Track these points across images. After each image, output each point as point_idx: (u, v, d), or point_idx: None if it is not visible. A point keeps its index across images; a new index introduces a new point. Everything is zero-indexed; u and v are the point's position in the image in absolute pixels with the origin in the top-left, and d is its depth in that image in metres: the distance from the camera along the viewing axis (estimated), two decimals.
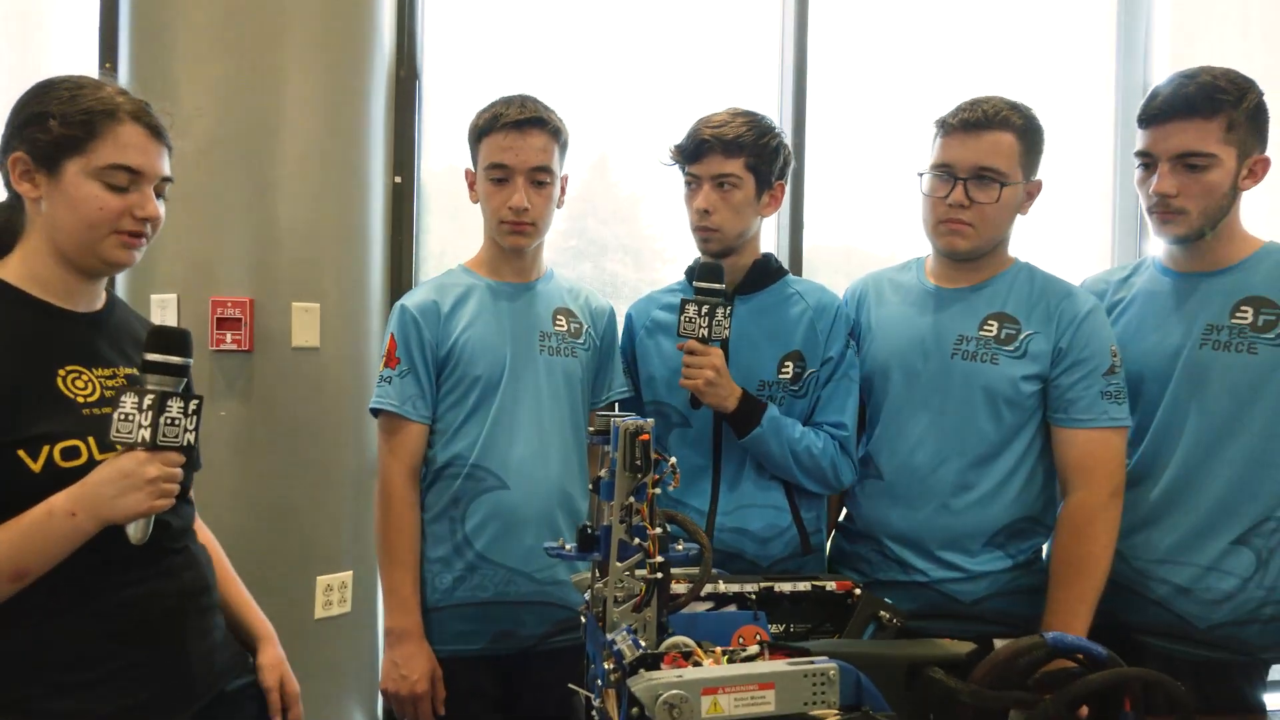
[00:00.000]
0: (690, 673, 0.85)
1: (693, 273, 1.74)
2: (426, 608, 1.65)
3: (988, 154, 1.60)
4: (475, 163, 1.75)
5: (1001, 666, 0.89)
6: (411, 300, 1.72)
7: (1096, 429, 1.60)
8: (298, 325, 2.47)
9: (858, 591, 1.24)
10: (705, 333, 1.59)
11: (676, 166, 1.78)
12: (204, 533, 1.50)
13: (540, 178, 1.70)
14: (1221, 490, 1.56)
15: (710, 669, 0.87)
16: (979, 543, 1.65)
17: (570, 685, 1.11)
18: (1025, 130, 1.63)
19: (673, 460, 1.06)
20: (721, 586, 1.21)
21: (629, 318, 1.90)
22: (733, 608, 1.22)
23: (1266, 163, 1.58)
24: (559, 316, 1.79)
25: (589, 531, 1.03)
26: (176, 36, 2.38)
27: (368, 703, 2.62)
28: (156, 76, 2.39)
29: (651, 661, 0.90)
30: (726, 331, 1.59)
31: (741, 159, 1.68)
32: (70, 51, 2.74)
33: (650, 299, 1.89)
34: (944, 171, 1.64)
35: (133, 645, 1.22)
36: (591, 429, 1.05)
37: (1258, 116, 1.56)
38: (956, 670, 0.92)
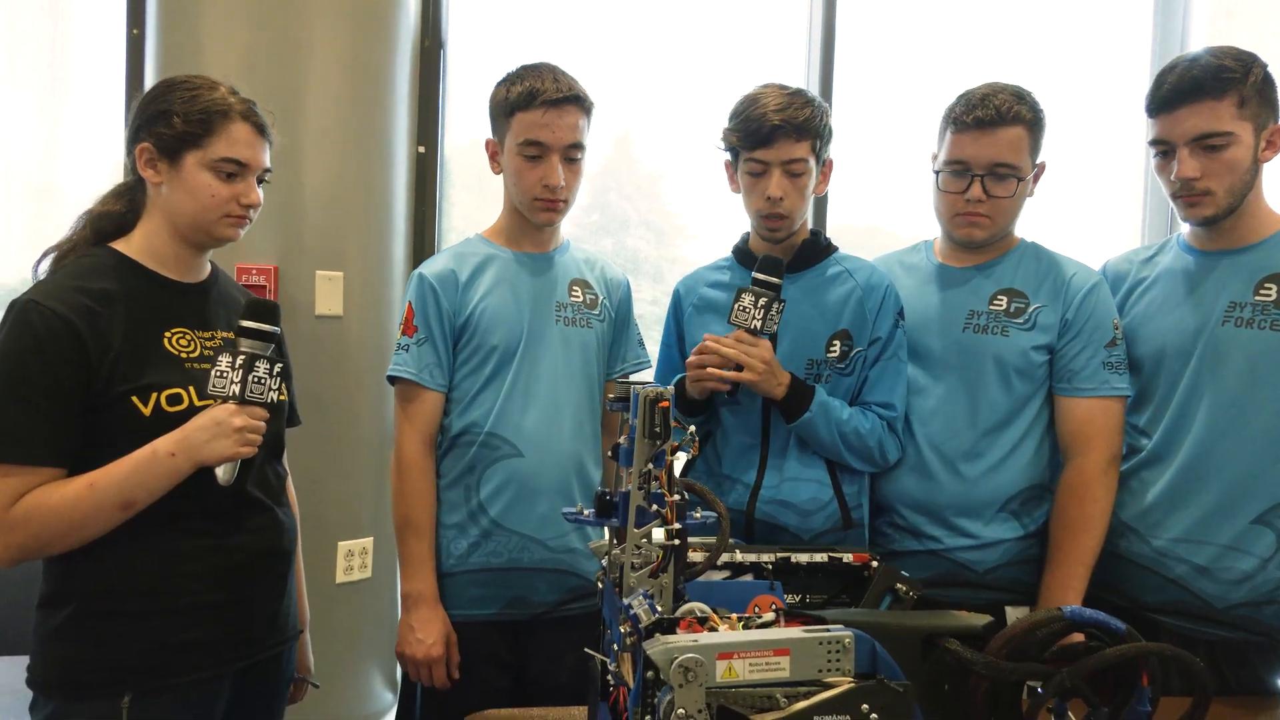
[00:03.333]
0: (706, 637, 0.85)
1: (744, 254, 1.79)
2: (441, 573, 1.67)
3: (1004, 151, 1.65)
4: (501, 135, 1.72)
5: (1018, 639, 0.89)
6: (430, 269, 1.72)
7: (1098, 398, 1.66)
8: (321, 294, 2.51)
9: (875, 564, 1.25)
10: (758, 325, 1.58)
11: (726, 149, 1.73)
12: (294, 502, 1.64)
13: (573, 154, 1.71)
14: (1241, 468, 1.55)
15: (726, 634, 0.87)
16: (992, 510, 1.69)
17: (586, 650, 1.12)
18: (1034, 122, 1.68)
19: (691, 428, 1.06)
20: (739, 556, 1.22)
21: (676, 294, 1.88)
22: (749, 577, 1.22)
23: None
24: (575, 287, 1.79)
25: (607, 498, 1.03)
26: (203, 5, 2.39)
27: (387, 666, 2.66)
28: (183, 45, 2.40)
29: (667, 626, 0.91)
30: (776, 326, 1.60)
31: (809, 142, 1.66)
32: (99, 19, 2.76)
33: (697, 276, 1.87)
34: (960, 168, 1.68)
35: (208, 589, 1.36)
36: (611, 396, 1.06)
37: (1266, 88, 1.55)
38: (973, 642, 0.92)
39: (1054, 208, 3.07)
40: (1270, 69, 1.56)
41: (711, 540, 1.12)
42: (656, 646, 0.84)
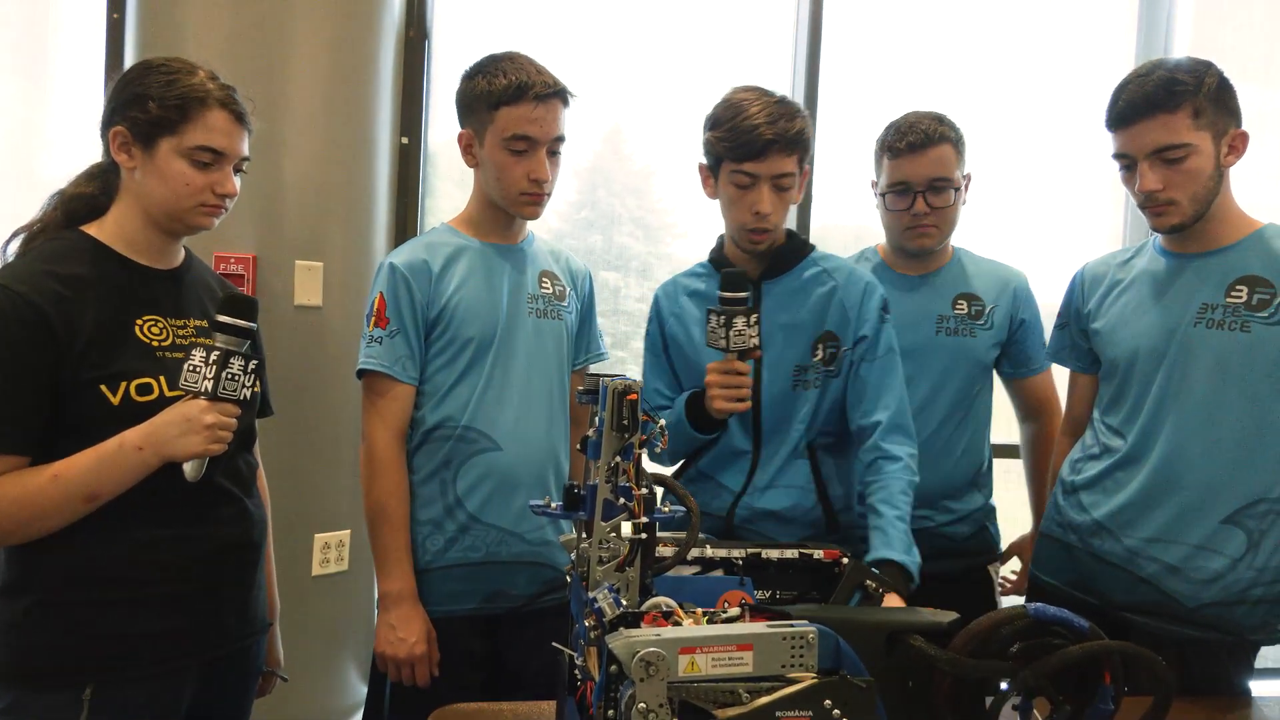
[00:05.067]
0: (669, 632, 0.85)
1: (720, 263, 1.76)
2: (418, 569, 1.65)
3: (937, 167, 1.90)
4: (479, 128, 1.69)
5: (982, 636, 0.89)
6: (400, 259, 1.70)
7: (1045, 373, 2.05)
8: (300, 283, 2.48)
9: (845, 560, 1.24)
10: (724, 345, 1.55)
11: (707, 156, 1.71)
12: (264, 494, 1.62)
13: (557, 147, 1.70)
14: (1213, 469, 1.56)
15: (689, 629, 0.87)
16: (964, 486, 1.99)
17: (554, 644, 1.11)
18: (957, 140, 1.93)
19: (661, 422, 1.05)
20: (709, 551, 1.21)
21: (656, 301, 1.85)
22: (719, 573, 1.22)
23: (1245, 136, 1.58)
24: (544, 279, 1.78)
25: (575, 490, 1.03)
26: None
27: (363, 659, 2.65)
28: (164, 29, 2.37)
29: (631, 620, 0.90)
30: (751, 340, 1.54)
31: (798, 155, 1.65)
32: (79, 2, 2.73)
33: (675, 284, 1.84)
34: (902, 188, 1.92)
35: (174, 580, 1.34)
36: (581, 389, 1.05)
37: (1221, 95, 1.55)
38: (937, 639, 0.92)
39: (1037, 211, 3.08)
40: (1226, 76, 1.56)
41: (681, 535, 1.12)
42: (619, 640, 0.83)
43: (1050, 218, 3.09)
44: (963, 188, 1.96)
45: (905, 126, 1.91)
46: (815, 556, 1.24)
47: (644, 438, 0.99)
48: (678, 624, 0.90)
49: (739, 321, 1.53)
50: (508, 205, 1.71)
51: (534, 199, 1.69)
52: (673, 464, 1.80)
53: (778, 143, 1.60)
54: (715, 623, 0.91)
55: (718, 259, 1.79)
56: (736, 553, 1.22)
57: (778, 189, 1.64)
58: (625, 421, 0.96)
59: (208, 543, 1.37)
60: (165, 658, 1.33)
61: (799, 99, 3.02)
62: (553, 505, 1.05)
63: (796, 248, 1.76)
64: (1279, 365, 1.53)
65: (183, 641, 1.35)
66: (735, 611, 0.92)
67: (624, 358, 3.04)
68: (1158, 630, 1.60)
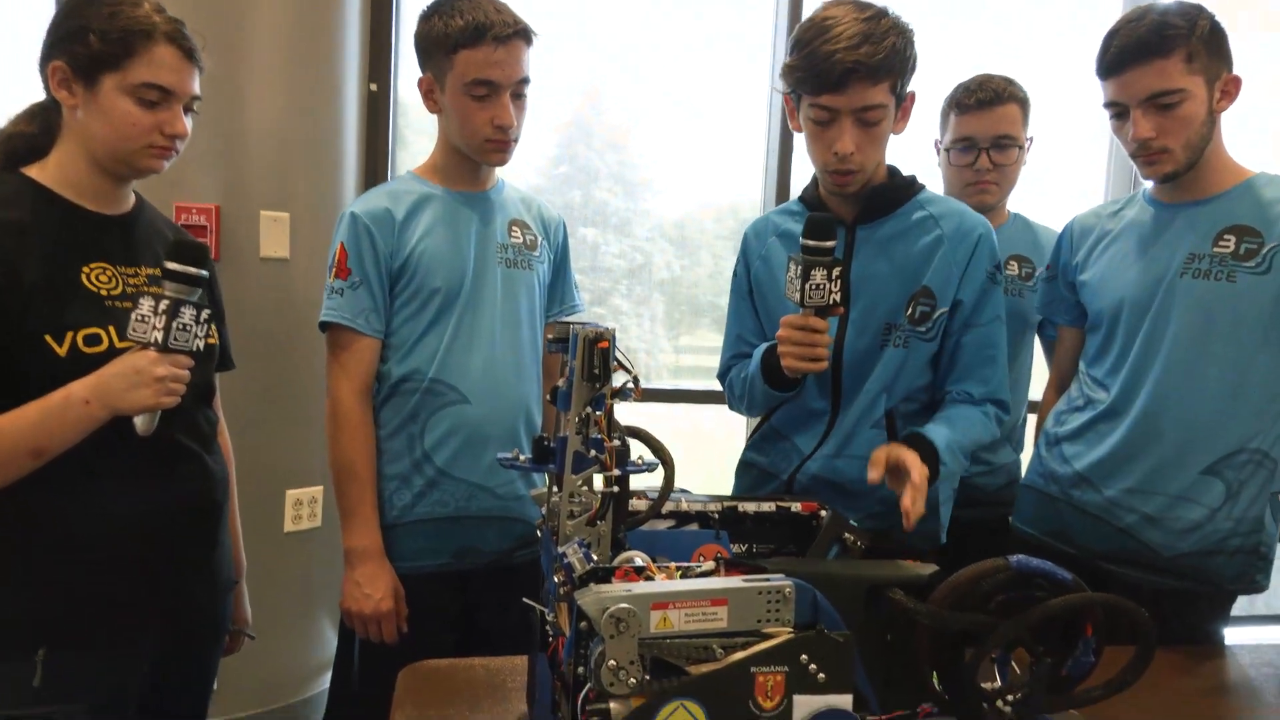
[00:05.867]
0: (640, 587, 0.82)
1: (814, 203, 1.59)
2: (385, 525, 1.62)
3: (1003, 124, 1.95)
4: (439, 73, 1.61)
5: (962, 589, 0.87)
6: (362, 207, 1.63)
7: None
8: (266, 235, 2.41)
9: (824, 513, 1.22)
10: (797, 299, 1.36)
11: (787, 87, 1.50)
12: (226, 450, 1.56)
13: (521, 90, 1.63)
14: (1194, 419, 1.55)
15: (661, 584, 0.84)
16: (999, 440, 1.96)
17: (525, 600, 1.08)
18: (1024, 100, 1.97)
19: (635, 372, 1.01)
20: (684, 505, 1.18)
21: (744, 241, 1.69)
22: (695, 527, 1.19)
23: (1238, 81, 1.54)
24: (514, 228, 1.73)
25: (545, 443, 0.99)
26: None
27: (337, 617, 2.62)
28: None
29: (602, 575, 0.87)
30: (831, 297, 1.35)
31: (888, 82, 1.43)
32: None
33: (766, 222, 1.67)
34: (967, 144, 1.96)
35: (132, 539, 1.29)
36: (550, 337, 1.01)
37: (1214, 39, 1.51)
38: (917, 592, 0.90)
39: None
40: (1218, 20, 1.52)
41: (657, 488, 1.09)
42: (588, 596, 0.80)
43: (1031, 174, 3.05)
44: (1025, 148, 2.01)
45: (975, 84, 1.96)
46: (793, 509, 1.21)
47: (616, 389, 0.95)
48: (650, 579, 0.87)
49: (817, 274, 1.34)
50: (472, 153, 1.65)
51: (500, 146, 1.63)
52: (751, 417, 1.72)
53: (858, 71, 1.38)
54: (689, 577, 0.88)
55: (810, 198, 1.61)
56: (712, 506, 1.19)
57: (863, 123, 1.44)
58: (596, 371, 0.92)
59: (167, 500, 1.33)
60: (123, 618, 1.29)
61: (779, 49, 2.95)
62: (521, 458, 1.01)
63: (899, 188, 1.56)
64: (1263, 315, 1.51)
65: (142, 602, 1.31)
66: (710, 565, 0.89)
67: (603, 314, 2.99)
68: (1135, 580, 1.60)
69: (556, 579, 0.89)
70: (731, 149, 3.01)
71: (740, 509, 1.20)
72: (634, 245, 3.02)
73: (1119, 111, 1.57)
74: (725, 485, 1.78)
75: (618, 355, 0.97)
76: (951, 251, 1.52)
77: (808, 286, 1.35)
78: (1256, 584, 1.61)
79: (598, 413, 0.94)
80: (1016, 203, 2.12)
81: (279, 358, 2.45)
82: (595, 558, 0.90)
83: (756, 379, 1.55)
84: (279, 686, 2.51)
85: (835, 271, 1.35)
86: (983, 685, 0.91)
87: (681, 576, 0.88)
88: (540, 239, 1.77)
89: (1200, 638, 1.60)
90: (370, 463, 1.61)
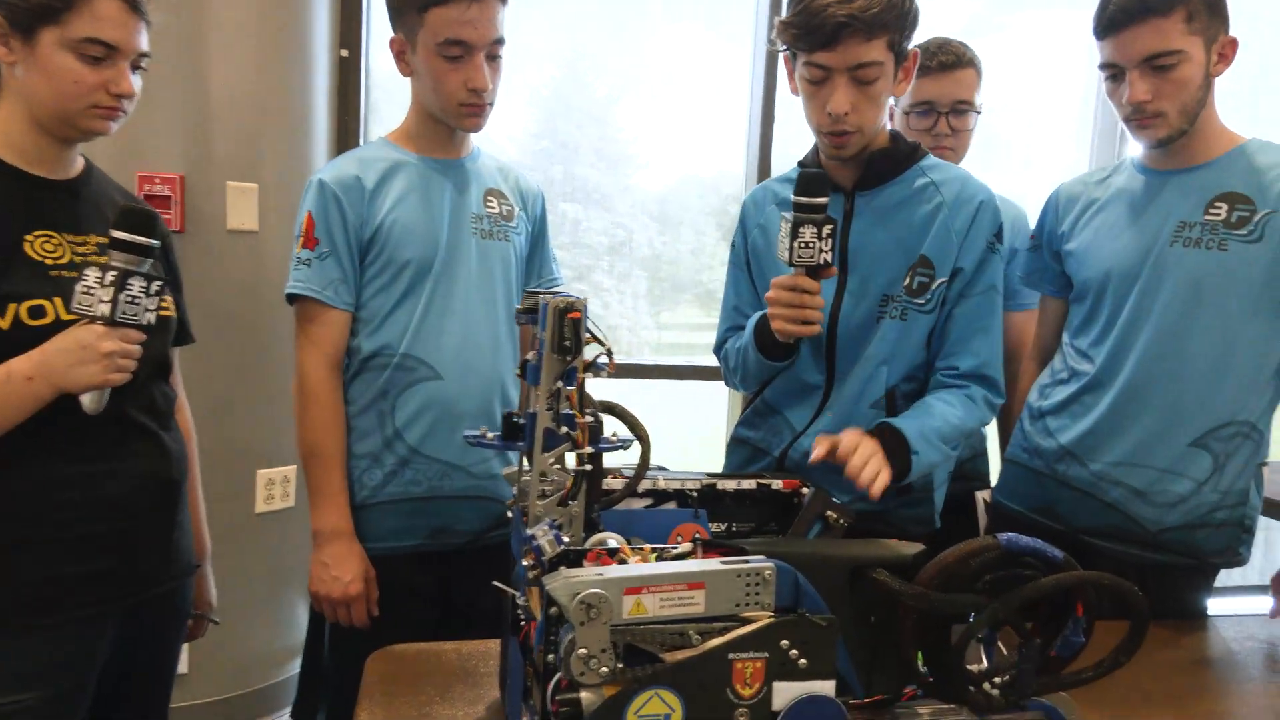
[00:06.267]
0: (613, 570, 0.77)
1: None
2: (355, 505, 1.56)
3: (962, 89, 1.92)
4: (409, 33, 1.54)
5: (950, 569, 0.83)
6: (330, 175, 1.56)
7: (1026, 312, 1.95)
8: (233, 206, 2.35)
9: (805, 490, 1.18)
10: (786, 258, 1.31)
11: (782, 45, 1.44)
12: (186, 427, 1.50)
13: (496, 50, 1.56)
14: (1182, 391, 1.52)
15: (635, 567, 0.80)
16: None
17: (495, 583, 1.04)
18: (979, 66, 1.94)
19: (609, 345, 0.96)
20: (661, 483, 1.14)
21: (743, 210, 1.63)
22: (672, 505, 1.15)
23: (1234, 43, 1.50)
24: (490, 198, 1.66)
25: (514, 420, 0.94)
26: None
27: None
28: None
29: (573, 558, 0.83)
30: (825, 255, 1.30)
31: (885, 39, 1.36)
32: None
33: (766, 189, 1.61)
34: (926, 108, 1.93)
35: (86, 521, 1.24)
36: (519, 308, 0.95)
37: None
38: (902, 572, 0.86)
39: (1002, 136, 2.99)
40: None
41: (633, 465, 1.04)
42: (557, 581, 0.75)
43: (1015, 143, 3.01)
44: (978, 115, 2.00)
45: (935, 47, 1.91)
46: (774, 487, 1.17)
47: (588, 361, 0.91)
48: (623, 562, 0.82)
49: (806, 231, 1.28)
50: (446, 117, 1.58)
51: (474, 110, 1.56)
52: (747, 391, 1.64)
53: (852, 26, 1.32)
54: (665, 560, 0.84)
55: (810, 163, 1.55)
56: (690, 484, 1.15)
57: (858, 82, 1.37)
58: (567, 343, 0.87)
59: (122, 481, 1.27)
60: (78, 603, 1.23)
61: (761, 28, 2.88)
62: (489, 436, 0.96)
63: (901, 153, 1.50)
64: (1253, 285, 1.48)
65: (97, 586, 1.25)
66: (686, 547, 0.85)
67: (585, 290, 2.95)
68: (1120, 555, 1.59)
69: (526, 562, 0.84)
70: (715, 123, 2.95)
71: (719, 486, 1.16)
72: (616, 221, 2.98)
73: (1114, 74, 1.52)
74: (709, 462, 1.73)
75: (590, 326, 0.93)
76: (951, 219, 1.46)
77: (796, 244, 1.30)
78: (1239, 556, 1.60)
79: (569, 387, 0.89)
80: (988, 177, 2.08)
81: (249, 334, 2.39)
82: (566, 539, 0.86)
83: (750, 348, 1.50)
84: (251, 669, 2.47)
85: (826, 230, 1.30)
86: (969, 667, 0.88)
87: (657, 559, 0.84)
88: (518, 210, 1.71)
89: (1184, 611, 1.58)
90: (339, 441, 1.56)
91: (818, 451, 1.34)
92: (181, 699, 2.37)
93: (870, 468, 1.32)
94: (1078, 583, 0.81)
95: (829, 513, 1.12)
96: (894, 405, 1.49)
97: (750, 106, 2.90)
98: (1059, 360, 1.72)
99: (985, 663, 0.93)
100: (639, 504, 1.14)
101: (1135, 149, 1.66)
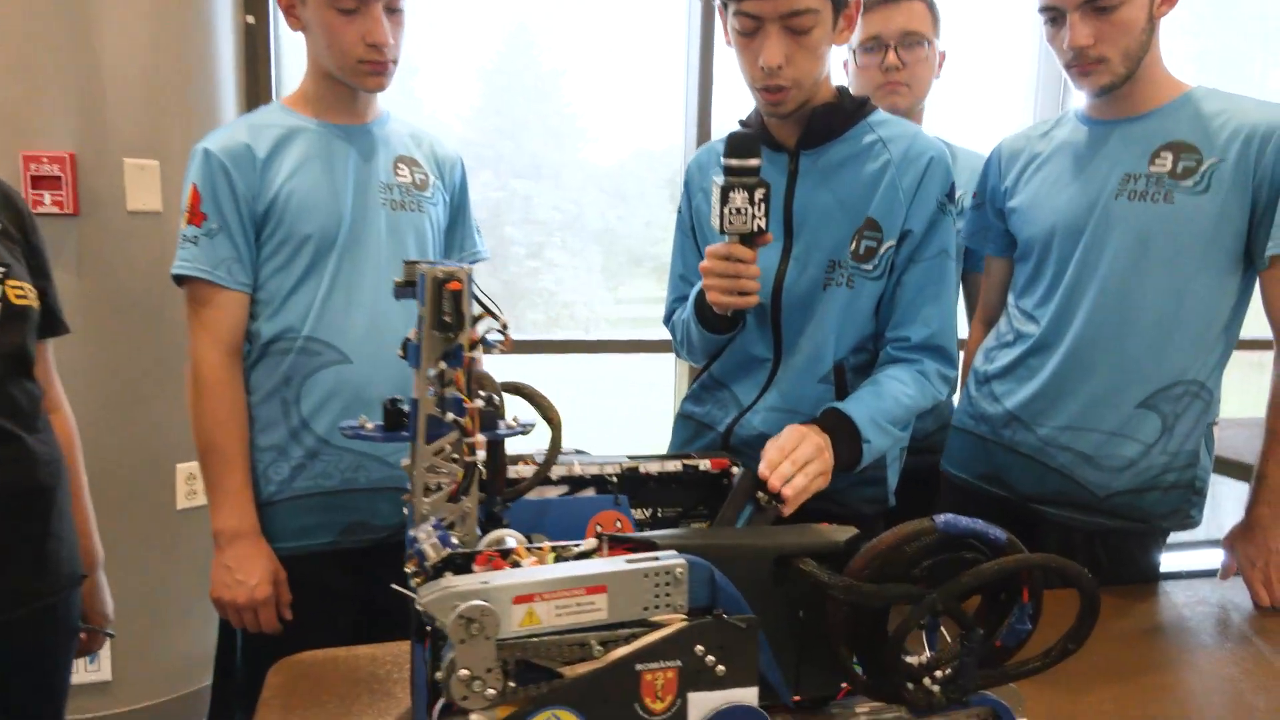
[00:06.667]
0: (499, 577, 0.68)
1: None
2: (261, 502, 1.45)
3: (911, 20, 1.83)
4: None
5: (883, 556, 0.75)
6: (217, 143, 1.43)
7: (976, 275, 1.86)
8: (133, 185, 2.19)
9: (735, 470, 1.09)
10: (718, 225, 1.22)
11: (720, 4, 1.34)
12: (64, 427, 1.37)
13: (396, 4, 1.43)
14: (1129, 351, 1.46)
15: (527, 571, 0.70)
16: None
17: (393, 586, 0.94)
18: (932, 4, 1.86)
19: (504, 319, 0.86)
20: (577, 468, 1.04)
21: (686, 175, 1.54)
22: (591, 492, 1.06)
23: None
24: (401, 165, 1.54)
25: (396, 406, 0.84)
26: None
27: None
28: None
29: (461, 563, 0.73)
30: (758, 221, 1.21)
31: None
32: None
33: (710, 151, 1.51)
34: (874, 43, 1.84)
35: None
36: (398, 280, 0.85)
37: None
38: (832, 560, 0.78)
39: (944, 89, 2.93)
40: None
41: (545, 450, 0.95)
42: (432, 594, 0.65)
43: (957, 96, 2.94)
44: (936, 58, 1.91)
45: None
46: (701, 468, 1.09)
47: (475, 336, 0.80)
48: (517, 564, 0.73)
49: (737, 197, 1.20)
50: (344, 76, 1.45)
51: (375, 68, 1.43)
52: (696, 364, 1.53)
53: None
54: (564, 560, 0.74)
55: (752, 123, 1.44)
56: (610, 469, 1.05)
57: (792, 31, 1.27)
58: (447, 318, 0.77)
59: None
60: None
61: None
62: (369, 426, 0.85)
63: (847, 110, 1.39)
64: (1201, 238, 1.42)
65: None
66: (590, 544, 0.75)
67: (537, 268, 2.85)
68: (1068, 520, 1.54)
69: (408, 569, 0.74)
70: (661, 94, 2.88)
71: (642, 470, 1.07)
72: (568, 196, 2.92)
73: (1054, 17, 1.44)
74: (667, 438, 1.64)
75: (479, 297, 0.82)
76: (899, 177, 1.35)
77: (727, 211, 1.20)
78: (1190, 519, 1.55)
79: (454, 368, 0.79)
80: (937, 128, 1.99)
81: (157, 321, 2.24)
82: (456, 540, 0.76)
83: (691, 321, 1.42)
84: (178, 674, 2.34)
85: (759, 194, 1.20)
86: (909, 659, 0.80)
87: (556, 559, 0.74)
88: (433, 178, 1.59)
89: (1134, 576, 1.54)
90: (239, 433, 1.44)
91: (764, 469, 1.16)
92: (106, 707, 2.25)
93: (781, 474, 1.12)
94: (1022, 566, 0.73)
95: (759, 494, 1.03)
96: (843, 379, 1.40)
97: (687, 68, 2.79)
98: (1004, 322, 1.65)
99: (927, 651, 0.85)
100: (553, 492, 1.05)
101: (1079, 100, 1.59)
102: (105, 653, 2.26)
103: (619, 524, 1.03)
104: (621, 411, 3.15)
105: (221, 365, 1.43)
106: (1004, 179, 1.65)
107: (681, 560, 0.71)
